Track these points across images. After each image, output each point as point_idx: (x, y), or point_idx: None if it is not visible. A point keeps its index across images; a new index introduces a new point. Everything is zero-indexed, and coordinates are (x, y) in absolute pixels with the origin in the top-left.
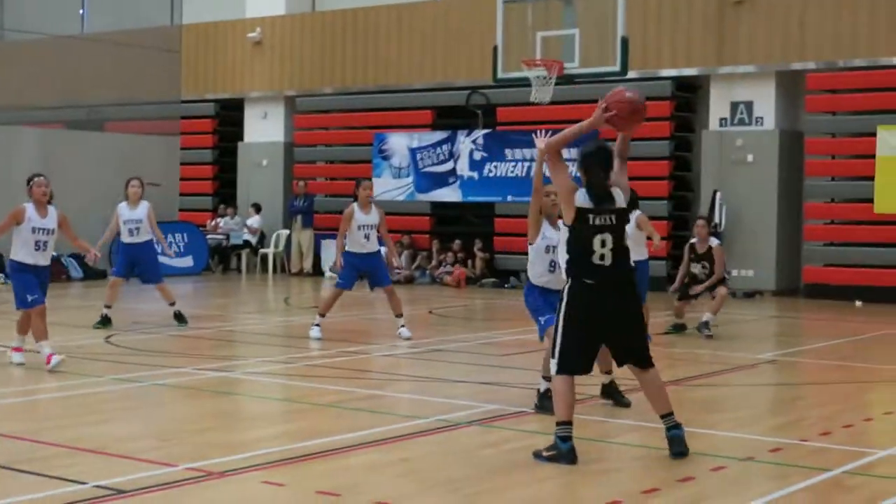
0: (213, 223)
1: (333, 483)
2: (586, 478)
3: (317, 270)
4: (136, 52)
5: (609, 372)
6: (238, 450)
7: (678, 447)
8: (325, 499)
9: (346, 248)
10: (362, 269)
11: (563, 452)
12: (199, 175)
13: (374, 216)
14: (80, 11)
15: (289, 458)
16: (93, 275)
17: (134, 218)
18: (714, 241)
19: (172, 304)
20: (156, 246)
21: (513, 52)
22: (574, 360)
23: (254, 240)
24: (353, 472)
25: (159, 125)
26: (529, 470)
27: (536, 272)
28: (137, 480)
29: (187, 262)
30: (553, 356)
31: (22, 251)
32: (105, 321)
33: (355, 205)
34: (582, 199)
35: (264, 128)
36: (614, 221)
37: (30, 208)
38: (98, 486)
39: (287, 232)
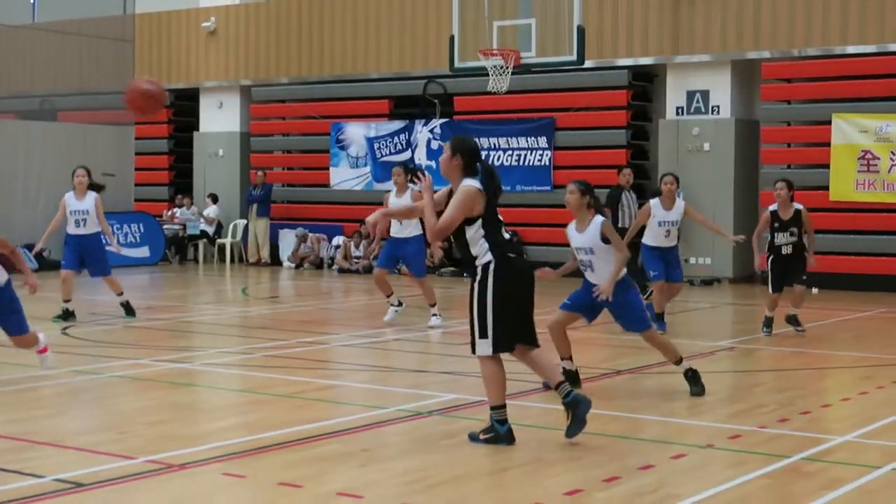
0: (170, 213)
1: (294, 474)
2: (548, 466)
3: (274, 260)
4: (89, 42)
5: (679, 362)
6: (197, 442)
7: (583, 405)
8: (287, 490)
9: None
10: (398, 255)
11: (503, 435)
12: (154, 165)
13: (406, 200)
14: (31, 1)
15: (249, 450)
16: (46, 265)
17: (80, 209)
18: (798, 205)
19: (120, 294)
20: (103, 238)
21: (469, 41)
22: (507, 338)
23: (210, 230)
24: (314, 463)
25: (113, 115)
26: (491, 459)
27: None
28: (96, 474)
29: (144, 252)
30: (485, 336)
31: None
32: (67, 315)
33: (392, 190)
34: (478, 183)
35: (220, 117)
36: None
37: None
38: (57, 480)
39: (244, 222)
